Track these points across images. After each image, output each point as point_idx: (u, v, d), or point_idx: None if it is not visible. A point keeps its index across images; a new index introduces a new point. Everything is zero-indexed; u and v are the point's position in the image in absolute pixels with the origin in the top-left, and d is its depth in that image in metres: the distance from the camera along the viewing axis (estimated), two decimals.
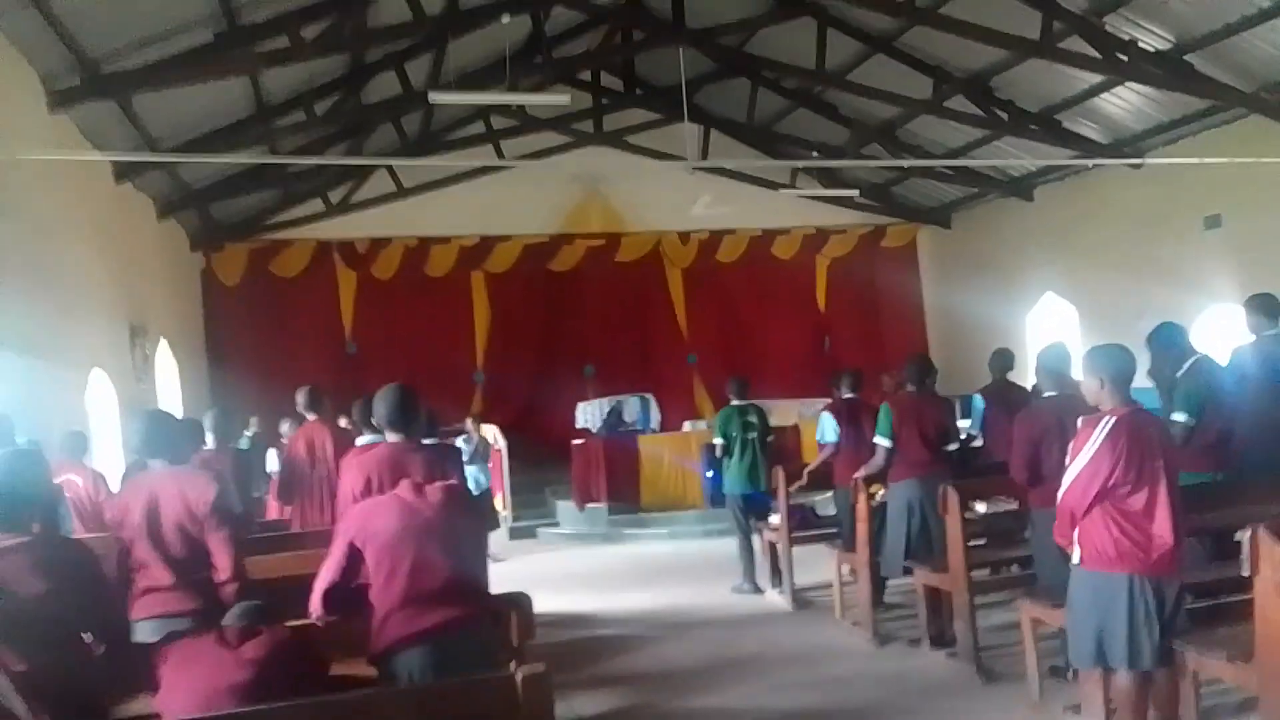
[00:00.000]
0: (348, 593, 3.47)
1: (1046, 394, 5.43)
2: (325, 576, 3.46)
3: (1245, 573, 3.70)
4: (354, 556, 3.43)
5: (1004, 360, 7.85)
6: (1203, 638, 4.04)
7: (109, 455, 8.79)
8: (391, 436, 4.08)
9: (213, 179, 12.56)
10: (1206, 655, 3.97)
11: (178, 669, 3.24)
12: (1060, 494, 4.04)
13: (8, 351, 6.83)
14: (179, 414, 11.24)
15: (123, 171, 10.35)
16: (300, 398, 6.92)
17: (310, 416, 6.88)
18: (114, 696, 3.41)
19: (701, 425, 13.02)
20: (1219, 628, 4.09)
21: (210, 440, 6.46)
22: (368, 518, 3.47)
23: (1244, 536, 3.69)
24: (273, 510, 6.73)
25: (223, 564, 4.05)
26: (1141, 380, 6.36)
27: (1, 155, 6.91)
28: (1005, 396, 7.46)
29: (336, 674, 3.53)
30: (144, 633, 3.91)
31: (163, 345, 11.80)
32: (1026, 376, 7.93)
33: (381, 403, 4.06)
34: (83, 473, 6.83)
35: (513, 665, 3.03)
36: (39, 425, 6.53)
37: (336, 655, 3.57)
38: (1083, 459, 3.94)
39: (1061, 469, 4.11)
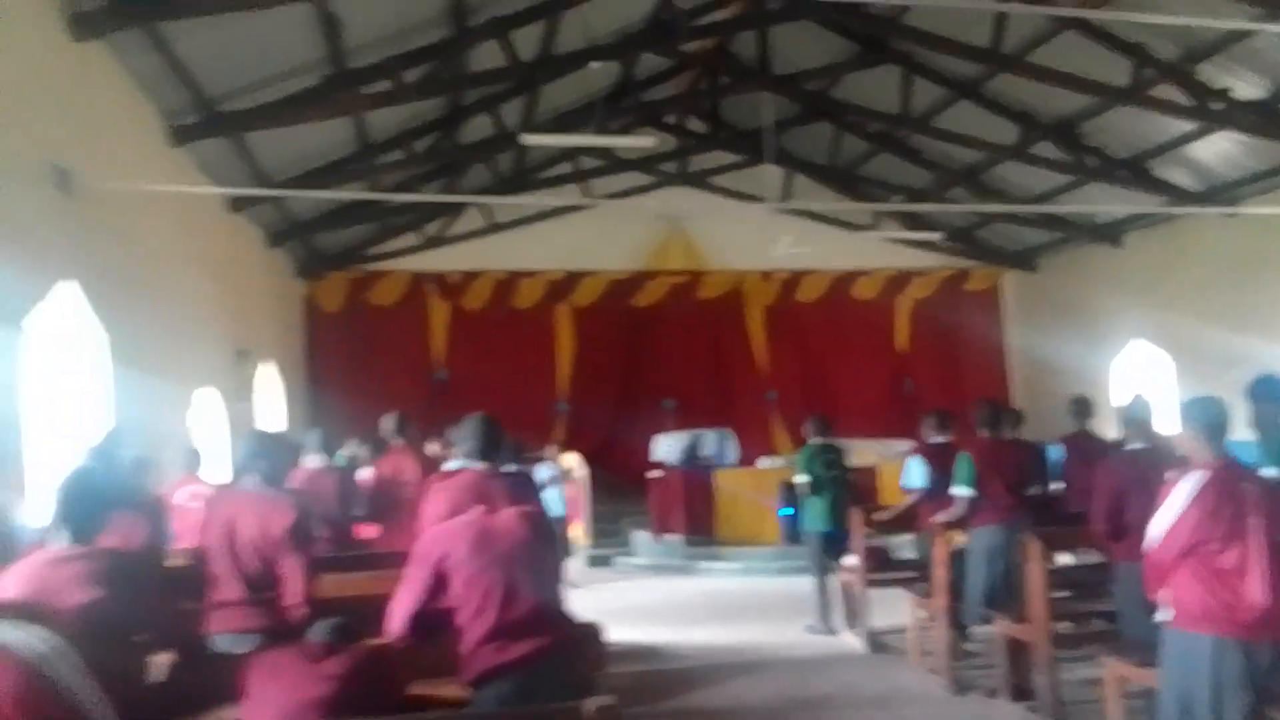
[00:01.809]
0: (433, 617, 3.38)
1: (1130, 446, 5.31)
2: (407, 601, 3.34)
3: None
4: (439, 583, 3.32)
5: (1083, 408, 7.66)
6: None
7: (216, 471, 9.20)
8: (476, 465, 4.24)
9: (317, 211, 13.16)
10: None
11: (263, 680, 3.29)
12: (1146, 548, 3.91)
13: (130, 369, 7.29)
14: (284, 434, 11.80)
15: (235, 203, 10.93)
16: (387, 423, 7.03)
17: (396, 442, 7.00)
18: (193, 705, 3.49)
19: (779, 462, 13.02)
20: None
21: (316, 459, 6.65)
22: (452, 544, 3.35)
23: None
24: (371, 529, 6.94)
25: (293, 589, 4.10)
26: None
27: (125, 187, 7.39)
28: (1083, 446, 7.34)
29: (412, 695, 3.54)
30: (218, 646, 4.07)
31: (269, 367, 12.32)
32: (1108, 424, 7.81)
33: (466, 432, 4.25)
34: (205, 487, 7.15)
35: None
36: (148, 440, 6.89)
37: (412, 675, 3.59)
38: (1170, 513, 3.77)
39: (1144, 522, 3.95)
